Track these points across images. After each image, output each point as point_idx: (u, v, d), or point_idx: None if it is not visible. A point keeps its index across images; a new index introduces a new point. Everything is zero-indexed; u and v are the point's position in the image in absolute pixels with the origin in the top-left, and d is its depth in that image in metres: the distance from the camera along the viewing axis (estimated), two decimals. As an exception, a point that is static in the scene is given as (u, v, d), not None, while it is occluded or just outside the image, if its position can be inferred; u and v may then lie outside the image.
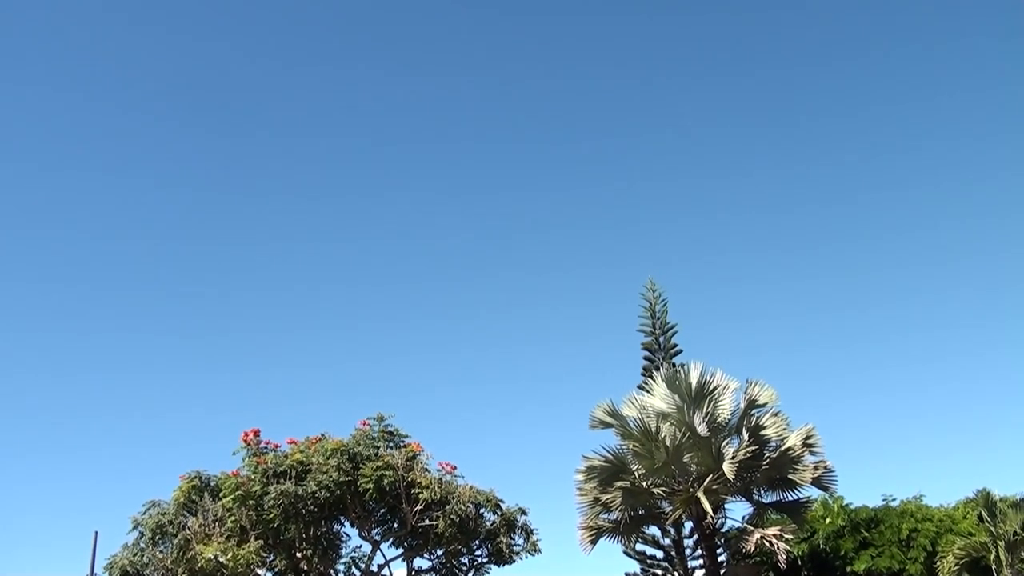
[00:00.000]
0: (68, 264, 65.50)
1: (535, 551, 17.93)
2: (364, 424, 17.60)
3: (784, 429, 17.66)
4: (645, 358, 23.64)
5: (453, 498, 16.52)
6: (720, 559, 18.83)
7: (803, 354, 62.65)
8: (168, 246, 67.97)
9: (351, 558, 17.94)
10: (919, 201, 66.97)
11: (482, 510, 17.34)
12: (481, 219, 75.16)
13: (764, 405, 17.70)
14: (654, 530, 20.66)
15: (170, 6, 71.36)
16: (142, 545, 16.73)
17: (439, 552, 17.70)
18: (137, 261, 66.91)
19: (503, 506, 17.60)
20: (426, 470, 16.97)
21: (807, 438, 17.68)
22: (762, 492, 18.42)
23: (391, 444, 17.35)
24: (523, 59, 77.24)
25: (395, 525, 17.35)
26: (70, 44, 66.81)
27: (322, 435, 17.37)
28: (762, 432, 17.56)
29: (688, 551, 20.71)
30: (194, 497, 16.67)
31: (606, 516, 18.18)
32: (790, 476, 17.67)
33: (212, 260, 68.88)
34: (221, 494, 16.21)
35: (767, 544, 16.98)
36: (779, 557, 16.90)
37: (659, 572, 21.39)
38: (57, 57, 66.89)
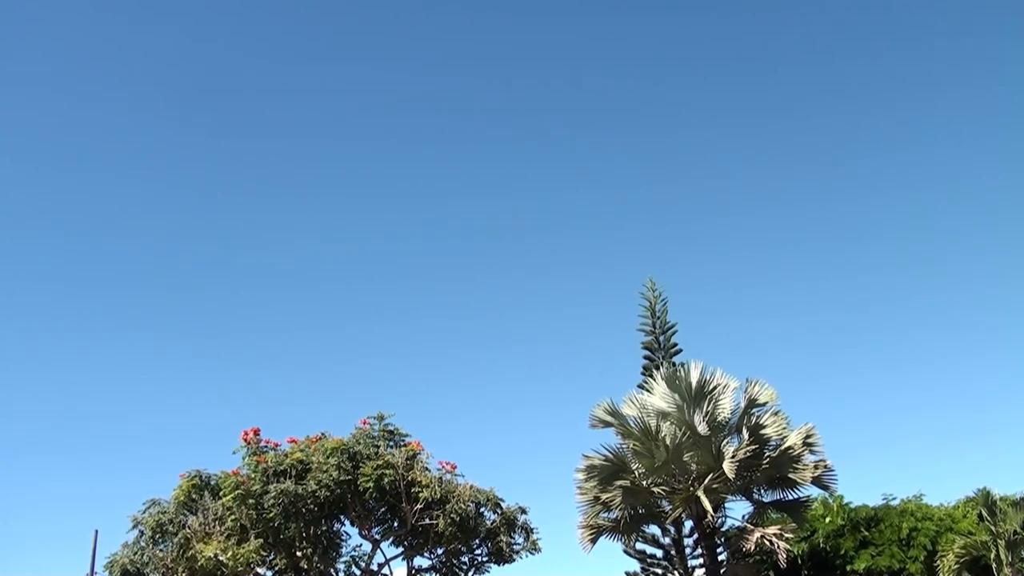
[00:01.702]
0: (68, 264, 65.63)
1: (535, 550, 17.96)
2: (364, 423, 17.61)
3: (784, 428, 17.64)
4: (645, 357, 23.60)
5: (453, 497, 16.53)
6: (720, 558, 18.80)
7: (803, 353, 62.79)
8: (168, 246, 68.11)
9: (351, 557, 18.01)
10: (919, 201, 67.08)
11: (482, 509, 17.36)
12: (480, 219, 75.24)
13: (764, 404, 17.69)
14: (654, 529, 20.63)
15: (170, 6, 71.41)
16: (142, 544, 16.78)
17: (439, 551, 17.74)
18: (137, 261, 67.06)
19: (503, 505, 17.62)
20: (426, 469, 16.98)
21: (807, 437, 17.67)
22: (762, 491, 18.42)
23: (391, 443, 17.36)
24: (523, 59, 77.35)
25: (395, 524, 17.36)
26: (70, 44, 66.95)
27: (322, 434, 17.38)
28: (762, 431, 17.54)
29: (688, 550, 20.65)
30: (194, 496, 16.71)
31: (606, 515, 18.16)
32: (790, 475, 17.65)
33: (212, 260, 69.01)
34: (221, 493, 16.23)
35: (767, 543, 16.98)
36: (779, 556, 16.91)
37: (659, 571, 21.34)
38: (57, 57, 66.99)
